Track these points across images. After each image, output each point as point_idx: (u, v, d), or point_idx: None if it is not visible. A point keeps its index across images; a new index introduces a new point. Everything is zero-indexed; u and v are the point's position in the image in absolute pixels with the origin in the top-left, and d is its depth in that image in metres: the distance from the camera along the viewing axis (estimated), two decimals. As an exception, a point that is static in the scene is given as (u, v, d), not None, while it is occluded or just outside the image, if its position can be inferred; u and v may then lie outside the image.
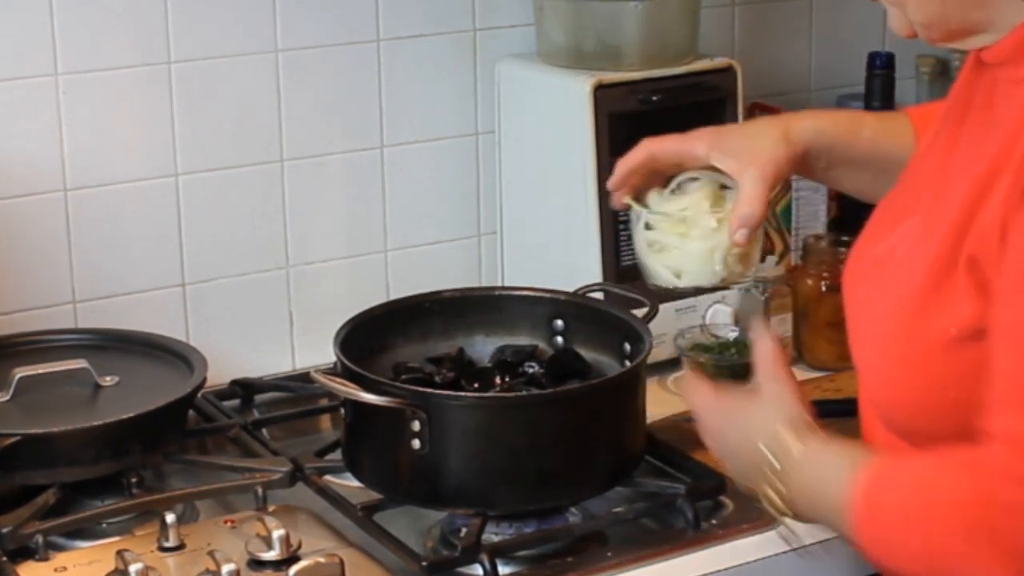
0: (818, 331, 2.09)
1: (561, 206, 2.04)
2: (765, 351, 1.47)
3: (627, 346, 1.76)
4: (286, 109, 2.04)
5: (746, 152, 1.56)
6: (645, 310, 1.82)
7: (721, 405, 1.49)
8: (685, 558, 1.62)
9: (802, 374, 1.97)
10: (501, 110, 2.12)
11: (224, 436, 1.89)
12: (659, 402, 1.69)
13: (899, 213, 1.41)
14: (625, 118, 1.98)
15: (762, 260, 2.16)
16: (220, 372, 1.96)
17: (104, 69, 1.93)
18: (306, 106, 2.05)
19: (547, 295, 1.85)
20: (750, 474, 1.43)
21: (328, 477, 1.74)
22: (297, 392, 2.00)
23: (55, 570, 1.58)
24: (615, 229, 2.00)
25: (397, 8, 2.09)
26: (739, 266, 1.59)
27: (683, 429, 1.79)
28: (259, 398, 2.00)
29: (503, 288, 1.99)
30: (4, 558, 1.58)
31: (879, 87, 2.27)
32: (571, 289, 1.88)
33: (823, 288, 2.09)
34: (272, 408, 1.99)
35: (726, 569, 1.61)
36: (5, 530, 1.60)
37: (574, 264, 2.02)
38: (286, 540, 1.57)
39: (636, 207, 1.61)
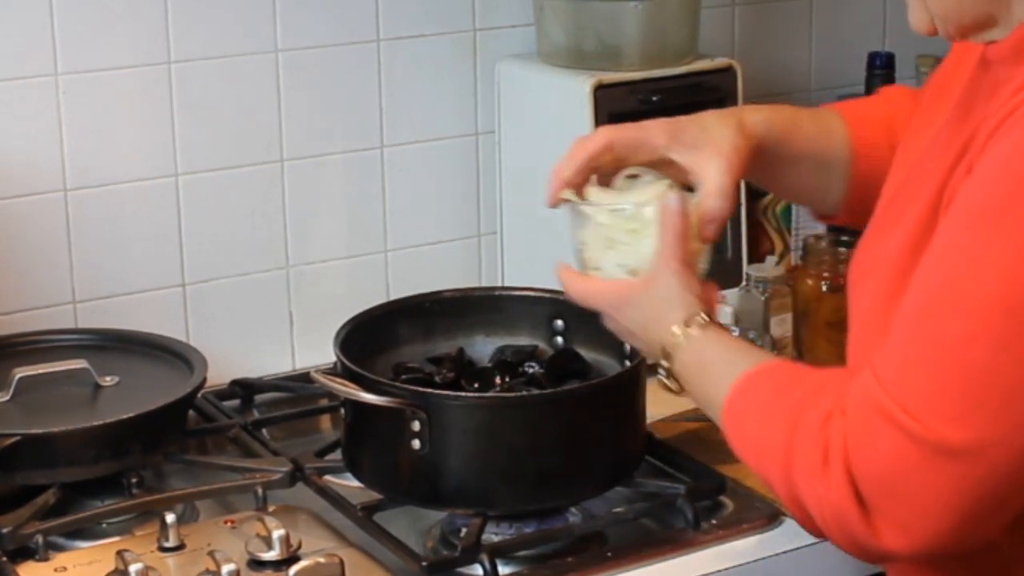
0: (818, 331, 2.09)
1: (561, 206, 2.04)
2: (669, 231, 1.45)
3: (627, 346, 1.76)
4: (286, 109, 2.04)
5: (707, 144, 1.51)
6: (645, 310, 1.81)
7: (609, 294, 1.49)
8: (685, 558, 1.62)
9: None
10: (501, 110, 2.12)
11: (224, 436, 1.89)
12: (659, 402, 1.69)
13: (901, 209, 1.41)
14: (625, 118, 1.95)
15: (762, 260, 2.18)
16: (220, 372, 1.96)
17: (104, 69, 1.93)
18: (306, 106, 2.06)
19: (547, 295, 1.85)
20: (648, 353, 1.49)
21: (328, 477, 1.74)
22: (297, 392, 2.00)
23: (55, 570, 1.58)
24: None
25: (397, 8, 2.09)
26: (701, 264, 1.52)
27: (683, 429, 1.79)
28: (259, 398, 2.00)
29: (503, 288, 1.99)
30: (4, 558, 1.58)
31: (879, 87, 2.26)
32: (571, 289, 1.88)
33: (823, 288, 2.09)
34: (272, 408, 1.99)
35: (726, 569, 1.61)
36: (5, 530, 1.60)
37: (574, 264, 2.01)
38: (286, 540, 1.57)
39: (583, 202, 1.52)
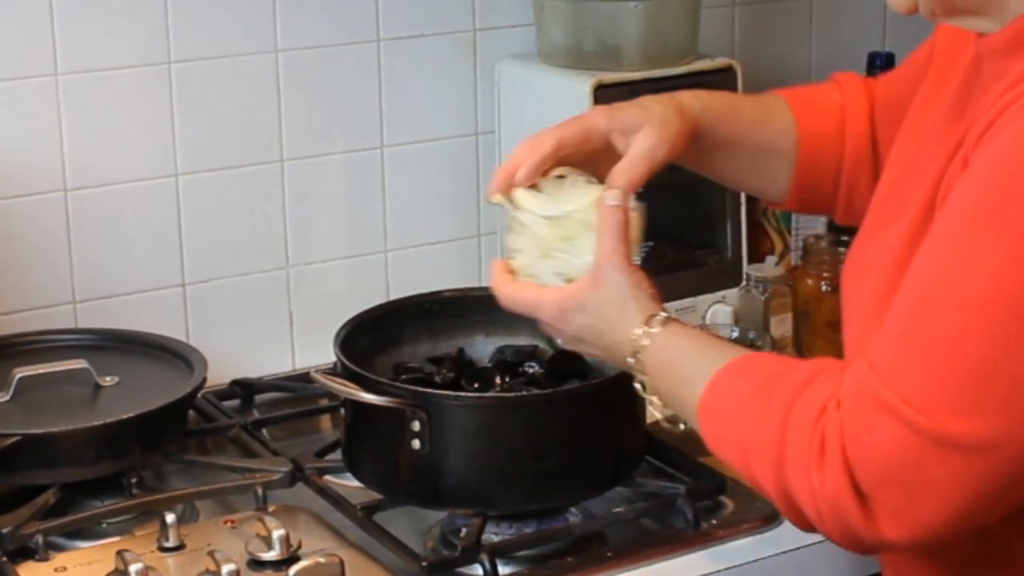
0: (818, 331, 2.09)
1: (561, 206, 2.04)
2: (610, 228, 1.44)
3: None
4: (286, 109, 2.04)
5: (645, 123, 1.51)
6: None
7: (549, 303, 1.47)
8: (685, 558, 1.62)
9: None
10: (501, 110, 2.12)
11: (224, 436, 1.89)
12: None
13: (897, 207, 1.41)
14: (625, 118, 1.98)
15: (762, 260, 2.18)
16: (220, 372, 1.96)
17: (104, 69, 1.93)
18: (306, 106, 2.06)
19: (547, 295, 1.85)
20: (604, 357, 1.48)
21: (328, 477, 1.74)
22: (297, 392, 2.00)
23: (55, 570, 1.58)
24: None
25: (397, 8, 2.09)
26: (635, 260, 1.49)
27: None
28: (259, 398, 2.00)
29: (503, 288, 1.99)
30: (4, 558, 1.58)
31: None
32: (571, 289, 1.88)
33: (823, 288, 2.10)
34: (272, 408, 1.99)
35: (726, 569, 1.61)
36: (5, 530, 1.60)
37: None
38: (286, 540, 1.57)
39: (522, 211, 1.50)
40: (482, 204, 2.19)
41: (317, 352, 2.03)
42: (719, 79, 2.06)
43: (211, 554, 1.53)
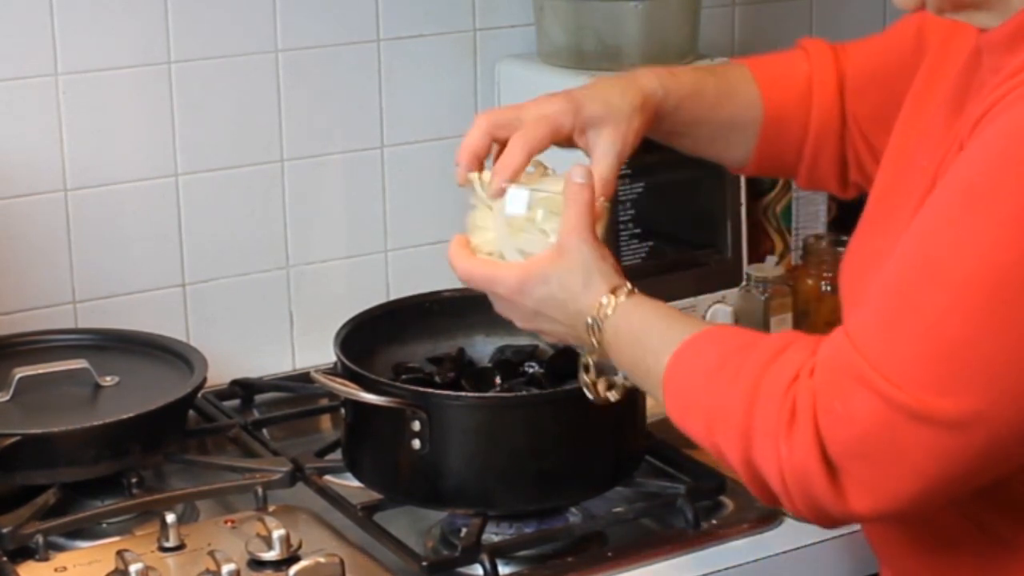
0: (818, 331, 2.06)
1: (561, 206, 2.04)
2: (577, 203, 1.43)
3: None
4: (286, 109, 2.04)
5: (607, 122, 1.51)
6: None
7: (510, 277, 1.45)
8: (685, 558, 1.62)
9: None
10: (501, 110, 2.12)
11: (224, 436, 1.89)
12: (659, 402, 1.69)
13: (896, 205, 1.41)
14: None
15: (762, 260, 2.18)
16: (220, 372, 1.96)
17: (104, 69, 1.93)
18: (306, 106, 2.05)
19: (547, 295, 1.85)
20: (561, 334, 1.46)
21: (328, 477, 1.74)
22: (297, 392, 2.00)
23: (55, 570, 1.58)
24: (615, 229, 2.00)
25: (397, 8, 2.09)
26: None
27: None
28: (259, 398, 2.00)
29: (503, 288, 1.99)
30: (4, 558, 1.58)
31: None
32: (571, 289, 1.88)
33: (823, 288, 2.09)
34: (272, 408, 1.99)
35: (726, 569, 1.61)
36: (5, 530, 1.60)
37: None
38: (286, 540, 1.57)
39: (513, 187, 1.47)
40: (482, 204, 2.18)
41: (317, 352, 2.03)
42: (719, 79, 2.06)
43: (211, 554, 1.53)
